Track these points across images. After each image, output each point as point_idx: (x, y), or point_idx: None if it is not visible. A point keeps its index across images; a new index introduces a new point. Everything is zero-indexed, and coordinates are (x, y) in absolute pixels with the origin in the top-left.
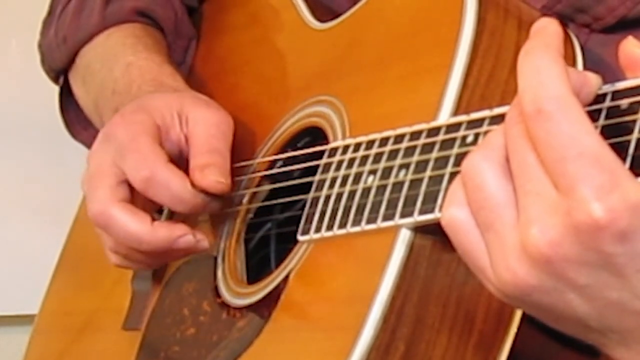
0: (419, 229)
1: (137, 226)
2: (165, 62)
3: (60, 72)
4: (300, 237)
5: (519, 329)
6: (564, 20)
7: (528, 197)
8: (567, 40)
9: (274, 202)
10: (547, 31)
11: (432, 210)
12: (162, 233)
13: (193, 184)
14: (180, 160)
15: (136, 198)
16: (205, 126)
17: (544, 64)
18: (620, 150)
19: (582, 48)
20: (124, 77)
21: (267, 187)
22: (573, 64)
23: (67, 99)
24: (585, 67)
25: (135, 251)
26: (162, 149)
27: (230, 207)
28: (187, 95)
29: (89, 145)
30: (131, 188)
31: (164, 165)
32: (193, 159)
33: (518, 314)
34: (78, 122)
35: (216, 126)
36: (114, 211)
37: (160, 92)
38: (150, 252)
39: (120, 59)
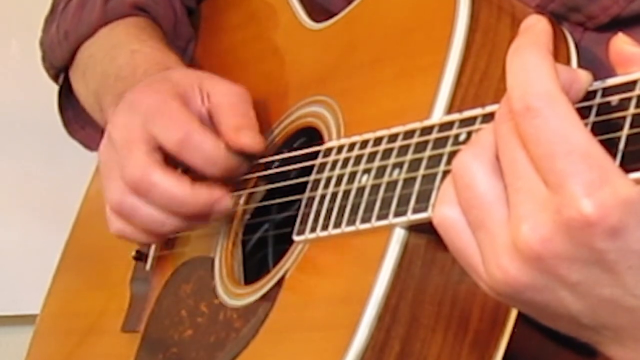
0: (413, 228)
1: (179, 189)
2: (169, 50)
3: (60, 69)
4: (295, 238)
5: (516, 329)
6: (558, 19)
7: (518, 195)
8: (562, 38)
9: (271, 202)
10: (536, 28)
11: (425, 209)
12: (203, 195)
13: (228, 146)
14: None
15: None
16: (229, 96)
17: (533, 60)
18: (610, 146)
19: (576, 46)
20: (129, 63)
21: (263, 187)
22: (567, 61)
23: (66, 97)
24: (580, 65)
25: (149, 211)
26: (192, 113)
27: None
28: (202, 72)
29: (85, 143)
30: (163, 153)
31: (197, 126)
32: (225, 123)
33: (514, 313)
34: (76, 120)
35: (238, 95)
36: (155, 175)
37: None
38: (188, 215)
39: (125, 47)
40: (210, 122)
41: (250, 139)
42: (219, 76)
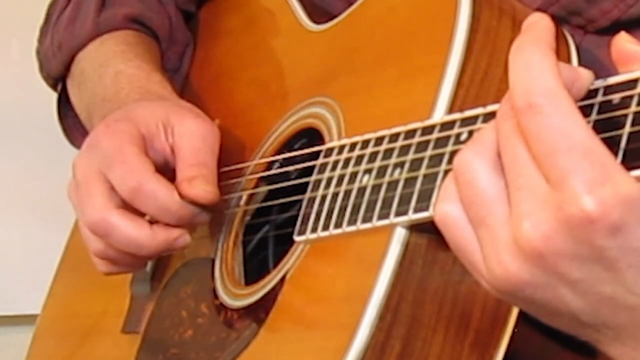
0: (415, 228)
1: (137, 232)
2: (155, 70)
3: (57, 79)
4: (296, 238)
5: (517, 329)
6: (558, 22)
7: (520, 192)
8: (562, 39)
9: (272, 203)
10: (538, 26)
11: (426, 209)
12: (161, 236)
13: (181, 195)
14: (165, 171)
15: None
16: (192, 139)
17: (535, 58)
18: (612, 144)
19: (577, 48)
20: (114, 85)
21: (264, 188)
22: (568, 63)
23: (64, 105)
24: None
25: (128, 255)
26: (148, 158)
27: (228, 209)
28: (172, 104)
29: None
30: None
31: (151, 175)
32: (180, 172)
33: (514, 312)
34: (76, 128)
35: (202, 138)
36: (113, 218)
37: (146, 100)
38: (147, 256)
39: (111, 66)
40: (174, 160)
41: (201, 190)
42: (189, 108)
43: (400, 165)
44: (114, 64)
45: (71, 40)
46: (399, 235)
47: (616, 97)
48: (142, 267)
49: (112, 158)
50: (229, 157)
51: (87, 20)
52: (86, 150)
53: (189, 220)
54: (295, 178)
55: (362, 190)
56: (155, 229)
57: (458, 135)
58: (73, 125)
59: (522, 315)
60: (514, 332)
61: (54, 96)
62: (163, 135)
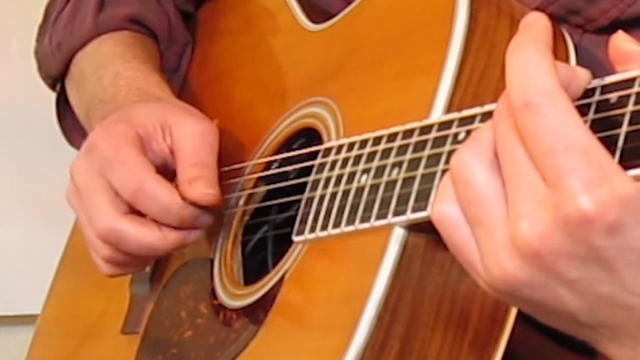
0: (413, 228)
1: (148, 236)
2: (153, 71)
3: (56, 79)
4: (295, 238)
5: (516, 329)
6: (557, 21)
7: (517, 192)
8: (561, 38)
9: (270, 203)
10: (535, 25)
11: (424, 208)
12: (172, 236)
13: (182, 197)
14: (165, 172)
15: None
16: (191, 138)
17: (532, 57)
18: (609, 144)
19: (575, 47)
20: (112, 86)
21: (263, 188)
22: (566, 62)
23: (63, 106)
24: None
25: (138, 258)
26: (148, 159)
27: (227, 210)
28: (170, 105)
29: None
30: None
31: (152, 176)
32: (180, 173)
33: (513, 312)
34: (75, 129)
35: (201, 137)
36: (123, 225)
37: (143, 101)
38: (159, 256)
39: (109, 68)
40: (173, 161)
41: (202, 192)
42: (187, 109)
43: (398, 165)
44: (112, 66)
45: (70, 40)
46: (397, 235)
47: (613, 97)
48: (147, 266)
49: (111, 160)
50: (227, 157)
51: (86, 19)
52: (84, 153)
53: (191, 221)
54: (294, 178)
55: (360, 190)
56: (164, 230)
57: (456, 134)
58: (72, 126)
59: (520, 314)
60: (512, 331)
61: (53, 96)
62: (161, 136)
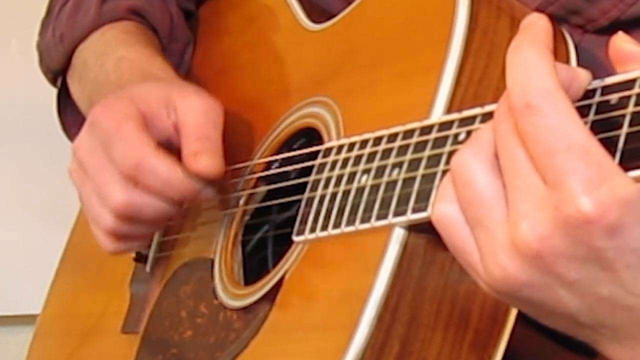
0: (413, 228)
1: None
2: (156, 54)
3: (57, 73)
4: (295, 238)
5: (516, 329)
6: (557, 21)
7: (517, 193)
8: (561, 38)
9: (271, 203)
10: (536, 26)
11: (424, 209)
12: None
13: (187, 171)
14: (168, 149)
15: None
16: (195, 114)
17: (532, 58)
18: (609, 145)
19: (575, 47)
20: (116, 70)
21: (263, 188)
22: (567, 62)
23: (64, 101)
24: (579, 66)
25: (151, 208)
26: (149, 135)
27: (227, 209)
28: (173, 84)
29: None
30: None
31: (151, 151)
32: (185, 147)
33: (513, 312)
34: (75, 124)
35: (206, 113)
36: (137, 198)
37: (147, 82)
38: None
39: (113, 53)
40: (177, 138)
41: (206, 164)
42: (191, 87)
43: (399, 165)
44: (115, 51)
45: (73, 31)
46: (398, 235)
47: (614, 98)
48: (149, 242)
49: (112, 136)
50: (228, 157)
51: (89, 11)
52: (86, 130)
53: (194, 195)
54: (294, 178)
55: (360, 191)
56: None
57: (456, 135)
58: (72, 121)
59: (520, 314)
60: (512, 331)
61: (53, 96)
62: (165, 113)
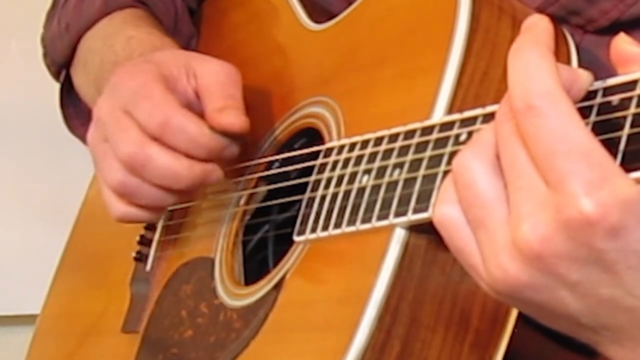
0: (414, 228)
1: (175, 162)
2: (165, 35)
3: (61, 65)
4: (296, 238)
5: (516, 329)
6: (558, 22)
7: (519, 194)
8: (562, 39)
9: (271, 203)
10: (537, 27)
11: (425, 209)
12: (198, 168)
13: (211, 127)
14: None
15: None
16: (217, 75)
17: (534, 59)
18: (611, 146)
19: (576, 47)
20: (125, 49)
21: (264, 188)
22: (568, 63)
23: (67, 94)
24: (580, 67)
25: (159, 189)
26: (173, 96)
27: (227, 209)
28: (191, 52)
29: (85, 140)
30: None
31: (177, 109)
32: (209, 104)
33: (514, 313)
34: (77, 117)
35: (226, 75)
36: (152, 150)
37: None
38: (182, 189)
39: (121, 34)
40: (197, 102)
41: (233, 118)
42: (208, 56)
43: (400, 165)
44: (124, 32)
45: (79, 20)
46: (399, 235)
47: (615, 99)
48: (157, 215)
49: (137, 95)
50: None
51: (95, 1)
52: (109, 91)
53: (219, 152)
54: (295, 178)
55: (361, 191)
56: (191, 160)
57: (457, 136)
58: (74, 115)
59: (521, 315)
60: (513, 332)
61: (54, 96)
62: (185, 78)
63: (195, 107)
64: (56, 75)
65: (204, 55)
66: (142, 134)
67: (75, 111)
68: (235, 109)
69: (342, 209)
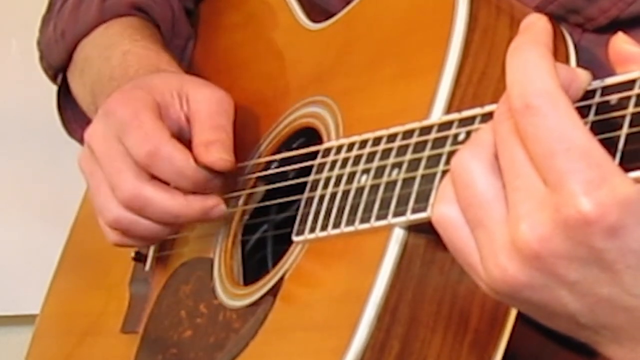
0: (413, 228)
1: (173, 202)
2: (163, 50)
3: (58, 69)
4: (294, 238)
5: (516, 328)
6: (557, 20)
7: (517, 193)
8: (561, 38)
9: (270, 203)
10: (536, 26)
11: (424, 209)
12: (196, 205)
13: (197, 161)
14: (180, 139)
15: None
16: (208, 104)
17: (532, 59)
18: (609, 145)
19: (575, 46)
20: (121, 64)
21: (262, 188)
22: (566, 61)
23: (64, 97)
24: (579, 66)
25: (148, 222)
26: (164, 125)
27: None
28: (185, 76)
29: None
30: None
31: (167, 140)
32: (197, 136)
33: (513, 312)
34: (75, 120)
35: (218, 103)
36: (147, 191)
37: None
38: (184, 224)
39: (118, 47)
40: (189, 128)
41: (217, 155)
42: (202, 80)
43: (398, 165)
44: (121, 45)
45: (75, 27)
46: (397, 235)
47: (614, 98)
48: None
49: (127, 124)
50: None
51: (91, 7)
52: (101, 118)
53: (204, 185)
54: (293, 178)
55: (360, 191)
56: (189, 198)
57: (456, 135)
58: (72, 117)
59: (520, 314)
60: (512, 331)
61: (54, 96)
62: (178, 103)
63: (186, 133)
64: (53, 79)
65: (197, 79)
66: (136, 172)
67: (73, 114)
68: (222, 144)
69: (341, 209)
